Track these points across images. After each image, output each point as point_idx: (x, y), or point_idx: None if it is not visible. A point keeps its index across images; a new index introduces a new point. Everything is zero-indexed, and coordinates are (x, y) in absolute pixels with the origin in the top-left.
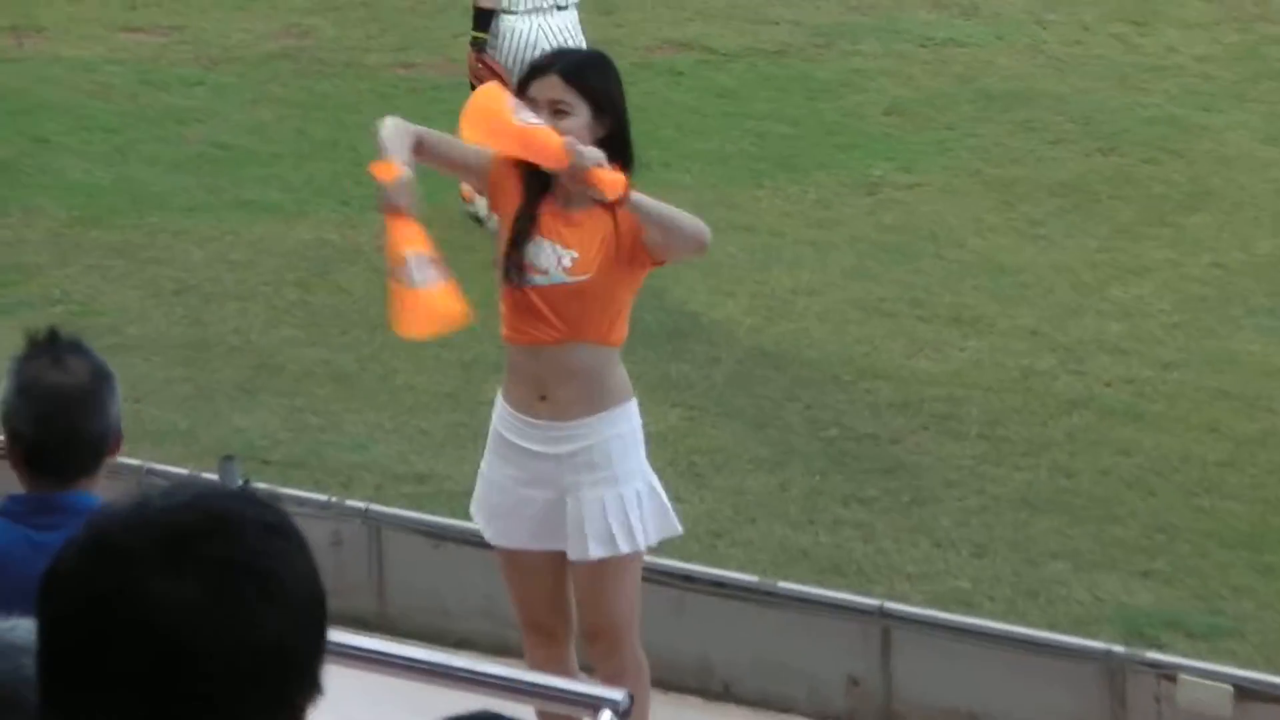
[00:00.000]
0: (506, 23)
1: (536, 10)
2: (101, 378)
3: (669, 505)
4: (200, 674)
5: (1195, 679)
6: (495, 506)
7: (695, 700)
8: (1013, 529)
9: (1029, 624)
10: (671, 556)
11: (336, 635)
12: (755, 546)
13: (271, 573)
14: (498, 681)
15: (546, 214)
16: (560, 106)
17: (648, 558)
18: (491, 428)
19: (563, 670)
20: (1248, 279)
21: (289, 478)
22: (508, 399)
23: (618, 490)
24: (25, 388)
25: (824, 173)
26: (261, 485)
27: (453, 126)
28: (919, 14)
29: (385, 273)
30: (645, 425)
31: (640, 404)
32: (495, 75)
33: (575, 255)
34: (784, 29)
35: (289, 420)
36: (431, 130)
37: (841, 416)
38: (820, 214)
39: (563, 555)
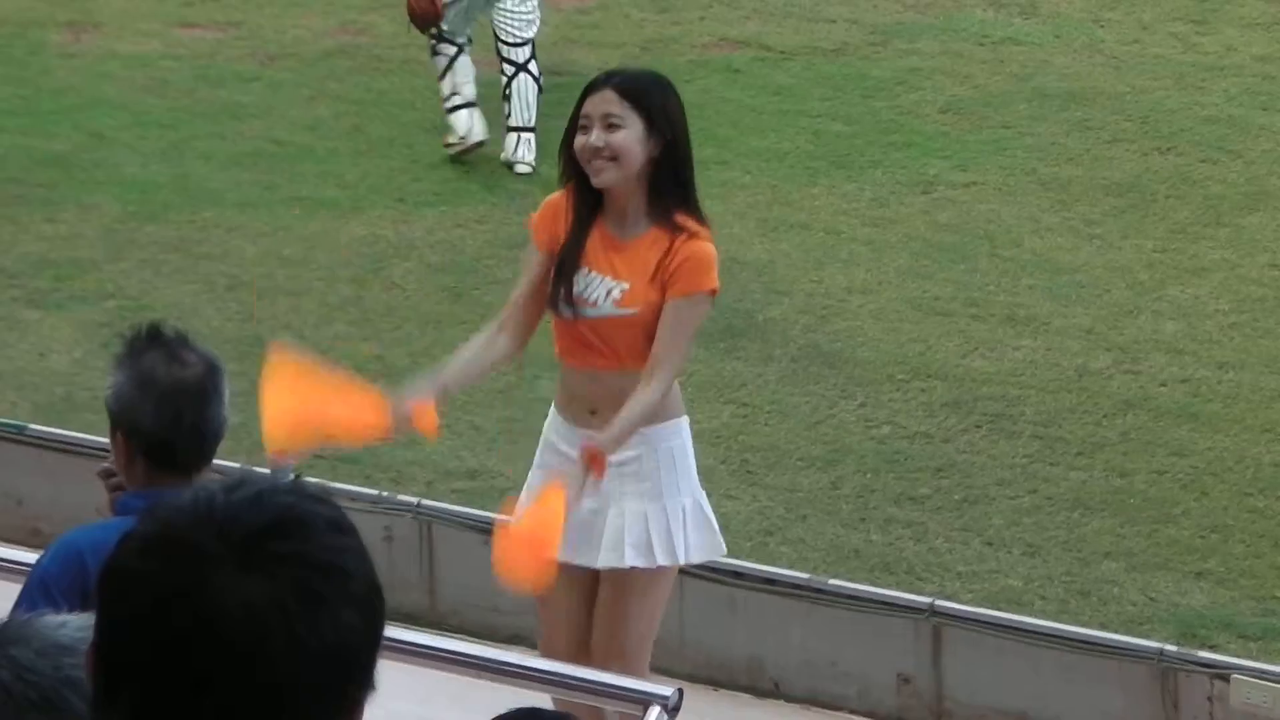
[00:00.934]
0: None
1: None
2: (216, 369)
3: (715, 525)
4: (269, 672)
5: (1248, 679)
6: None
7: (746, 697)
8: (1065, 529)
9: (1081, 623)
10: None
11: (388, 630)
12: (806, 544)
13: (339, 569)
14: (548, 676)
15: (595, 243)
16: (613, 120)
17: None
18: (542, 438)
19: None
20: None
21: (340, 473)
22: (560, 410)
23: (662, 504)
24: (145, 383)
25: (880, 171)
26: (313, 480)
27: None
28: (976, 13)
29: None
30: (699, 422)
31: (693, 401)
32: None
33: (625, 287)
34: (841, 27)
35: None
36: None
37: (895, 415)
38: (876, 212)
39: (595, 581)
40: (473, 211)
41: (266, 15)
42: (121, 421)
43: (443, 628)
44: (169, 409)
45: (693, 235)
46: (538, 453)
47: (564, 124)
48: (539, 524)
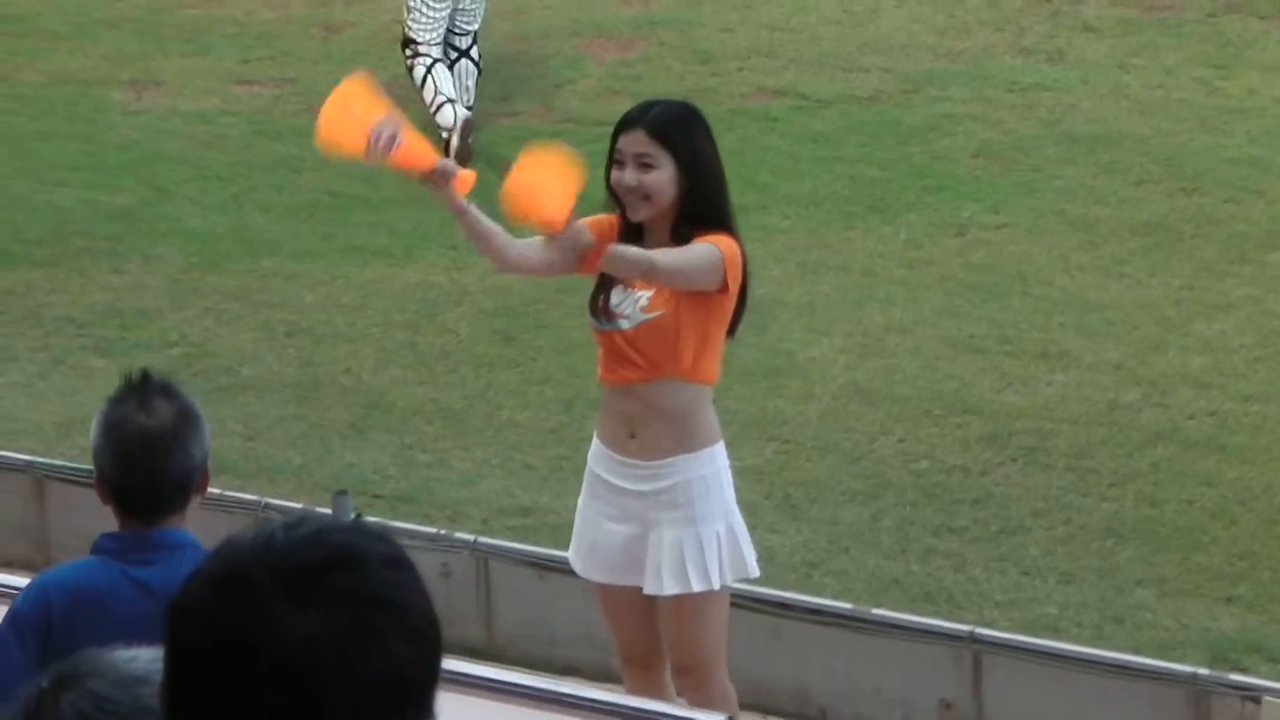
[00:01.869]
0: None
1: None
2: (186, 420)
3: (748, 548)
4: (325, 704)
5: (1278, 700)
6: (584, 542)
7: None
8: (1099, 557)
9: (1116, 648)
10: (768, 585)
11: (447, 663)
12: (849, 575)
13: (394, 603)
14: (603, 707)
15: None
16: (645, 160)
17: (746, 586)
18: (587, 469)
19: (659, 698)
20: None
21: (399, 512)
22: (601, 437)
23: (696, 530)
24: (111, 429)
25: (914, 214)
26: (373, 519)
27: None
28: (1006, 60)
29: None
30: (742, 459)
31: (737, 439)
32: None
33: (649, 294)
34: (875, 76)
35: (398, 456)
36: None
37: (933, 450)
38: (911, 254)
39: (645, 596)
40: None
41: (320, 71)
42: (95, 466)
43: (500, 660)
44: (125, 457)
45: (705, 234)
46: (584, 484)
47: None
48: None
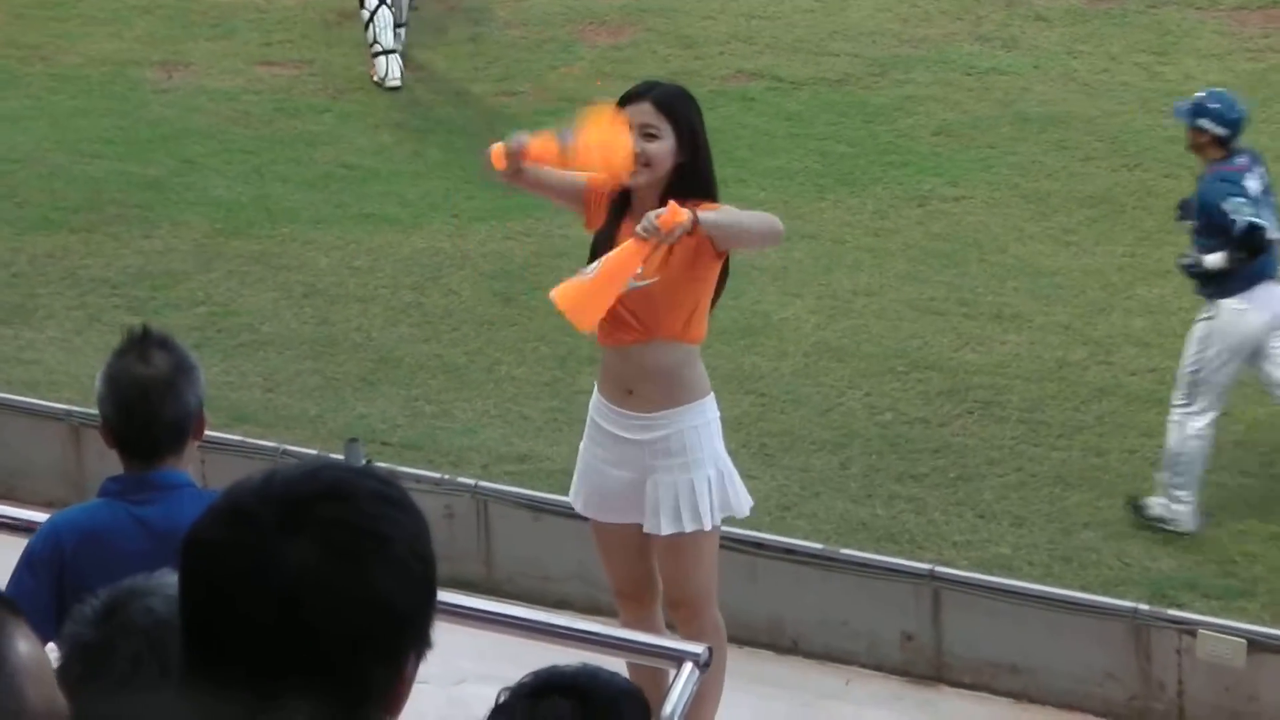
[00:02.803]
0: None
1: None
2: (182, 370)
3: (738, 489)
4: (316, 626)
5: (1212, 634)
6: (586, 483)
7: (767, 654)
8: (1049, 502)
9: (1064, 586)
10: (745, 527)
11: (448, 596)
12: (820, 518)
13: (381, 535)
14: (592, 637)
15: (625, 231)
16: (650, 130)
17: (725, 528)
18: (589, 415)
19: (651, 630)
20: None
21: (406, 458)
22: (601, 391)
23: (690, 476)
24: (112, 379)
25: (880, 187)
26: (382, 464)
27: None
28: (964, 46)
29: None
30: (722, 411)
31: (717, 392)
32: None
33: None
34: (844, 60)
35: (406, 407)
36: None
37: (896, 403)
38: (877, 224)
39: (640, 534)
40: (520, 225)
41: (336, 54)
42: (100, 412)
43: (499, 594)
44: (125, 404)
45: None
46: (586, 431)
47: None
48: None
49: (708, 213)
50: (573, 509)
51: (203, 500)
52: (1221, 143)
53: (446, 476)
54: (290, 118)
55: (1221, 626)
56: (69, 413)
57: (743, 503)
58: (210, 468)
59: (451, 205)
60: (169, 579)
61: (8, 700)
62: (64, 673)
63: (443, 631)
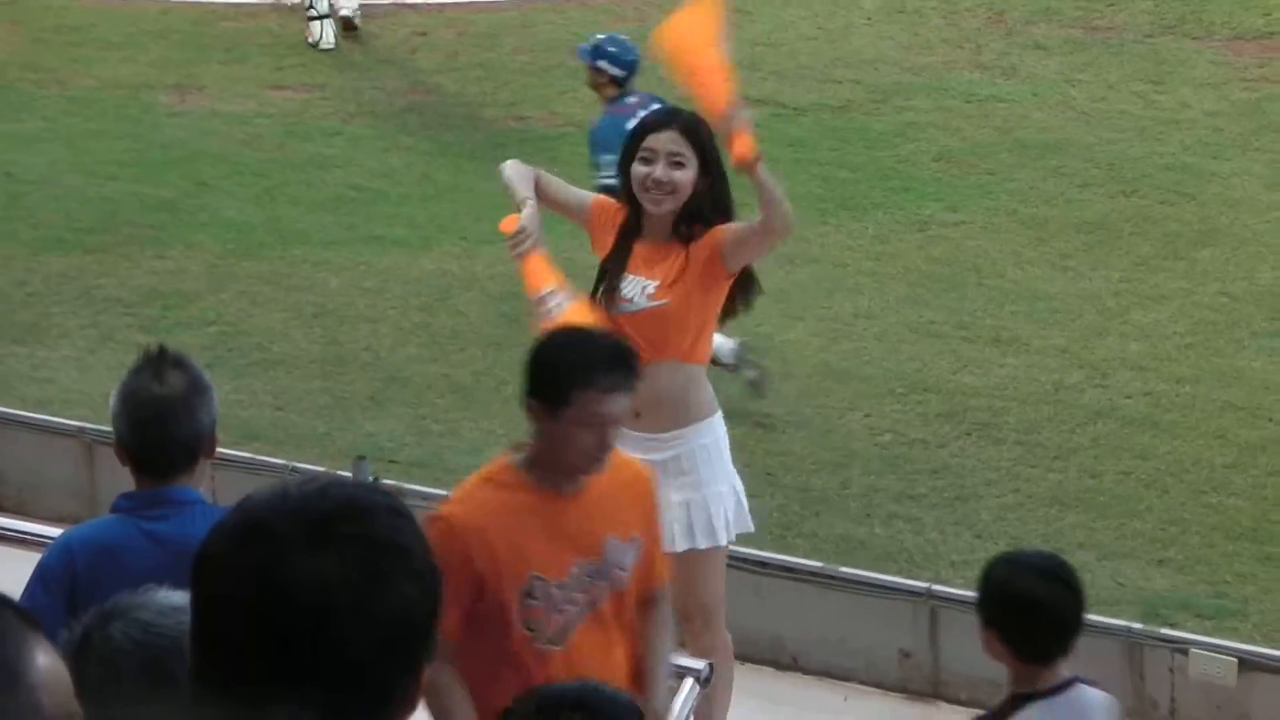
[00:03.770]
0: None
1: None
2: (197, 390)
3: (745, 506)
4: (344, 640)
5: (1204, 652)
6: None
7: (769, 670)
8: (1044, 523)
9: None
10: (748, 546)
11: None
12: (820, 537)
13: (399, 547)
14: None
15: (636, 253)
16: (677, 159)
17: (729, 548)
18: None
19: None
20: (1251, 305)
21: (413, 476)
22: None
23: (702, 493)
24: (127, 397)
25: (881, 212)
26: (389, 482)
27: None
28: (964, 74)
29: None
30: (726, 431)
31: (722, 413)
32: None
33: (656, 283)
34: (846, 87)
35: (413, 426)
36: (544, 173)
37: (896, 424)
38: (878, 248)
39: None
40: None
41: (347, 78)
42: (114, 430)
43: None
44: (139, 422)
45: (700, 235)
46: None
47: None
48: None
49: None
50: None
51: (213, 516)
52: (617, 83)
53: None
54: (301, 141)
55: (1214, 646)
56: (82, 429)
57: (747, 522)
58: (220, 484)
59: (460, 228)
60: (157, 592)
61: (27, 713)
62: None
63: None
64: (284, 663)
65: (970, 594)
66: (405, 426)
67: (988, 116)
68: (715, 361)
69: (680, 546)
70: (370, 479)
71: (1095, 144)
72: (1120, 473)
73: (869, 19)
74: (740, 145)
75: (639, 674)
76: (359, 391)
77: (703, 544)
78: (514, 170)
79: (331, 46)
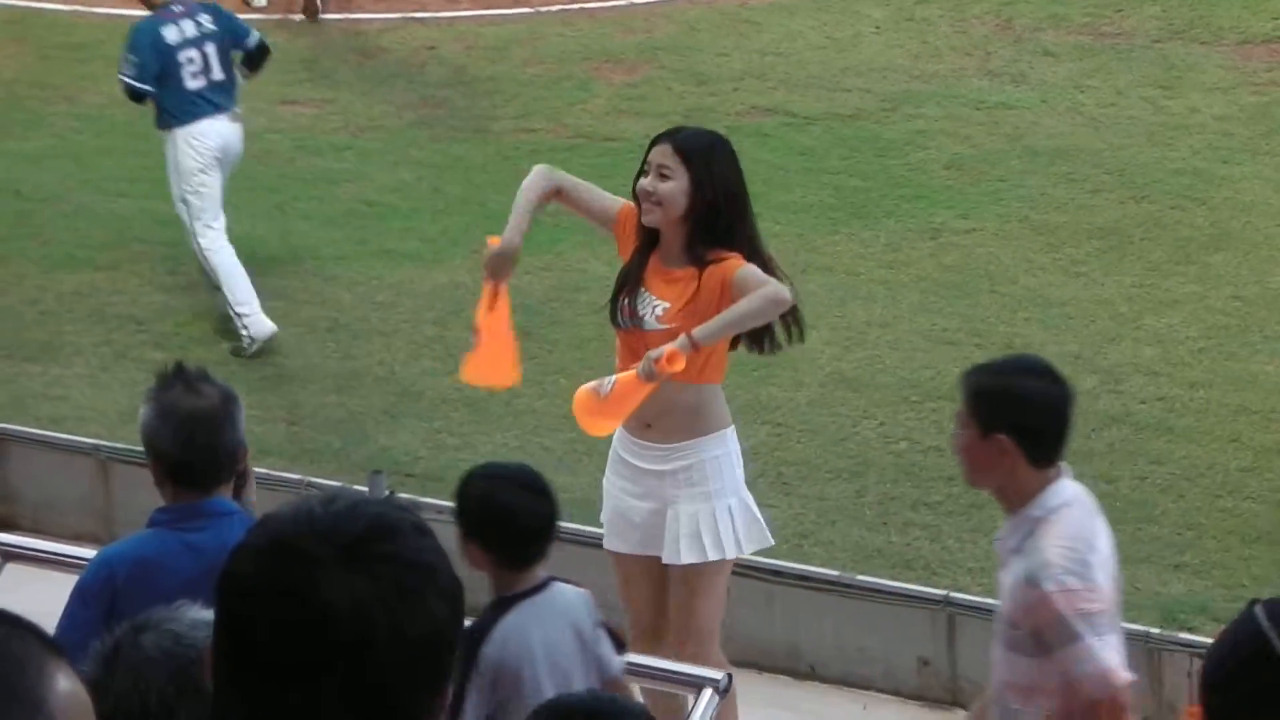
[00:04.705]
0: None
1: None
2: (230, 399)
3: (761, 519)
4: (375, 661)
5: None
6: (610, 514)
7: (785, 679)
8: None
9: None
10: (763, 555)
11: (470, 624)
12: (836, 546)
13: (428, 565)
14: None
15: (651, 268)
16: (664, 171)
17: (743, 557)
18: (611, 448)
19: None
20: (1264, 309)
21: (428, 489)
22: (623, 424)
23: (711, 505)
24: (166, 413)
25: (892, 220)
26: (404, 495)
27: None
28: (973, 81)
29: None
30: (740, 441)
31: (735, 422)
32: None
33: (666, 306)
34: (856, 95)
35: (428, 440)
36: (573, 179)
37: (910, 432)
38: (890, 256)
39: (662, 568)
40: (539, 260)
41: (356, 93)
42: (149, 447)
43: None
44: (185, 433)
45: (719, 261)
46: (609, 463)
47: (619, 180)
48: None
49: (703, 329)
50: (591, 538)
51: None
52: None
53: None
54: (311, 156)
55: None
56: (96, 447)
57: (765, 538)
58: None
59: (471, 241)
60: (186, 607)
61: None
62: None
63: None
64: (317, 683)
65: (991, 601)
66: (419, 440)
67: (998, 123)
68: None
69: (686, 559)
70: (386, 493)
71: (1105, 150)
72: (1136, 478)
73: (878, 28)
74: (667, 360)
75: None
76: (373, 406)
77: (711, 555)
78: (530, 185)
79: (264, 3)
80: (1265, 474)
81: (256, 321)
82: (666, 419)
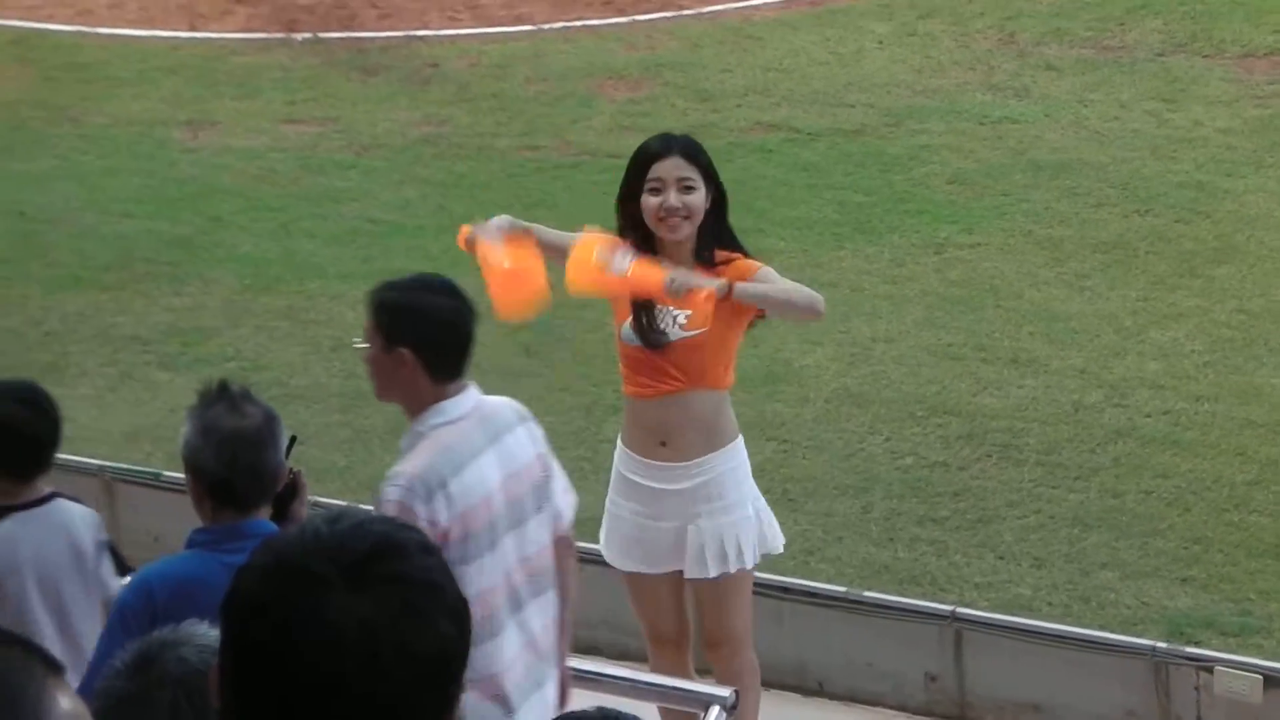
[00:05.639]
0: None
1: None
2: (272, 419)
3: (774, 525)
4: (383, 680)
5: (1229, 670)
6: (623, 538)
7: (793, 696)
8: (1067, 543)
9: (1083, 625)
10: (770, 571)
11: None
12: (843, 562)
13: (434, 585)
14: (622, 682)
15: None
16: (687, 183)
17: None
18: (614, 470)
19: (683, 675)
20: (1269, 322)
21: None
22: (628, 445)
23: (732, 517)
24: (209, 431)
25: (896, 235)
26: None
27: (573, 200)
28: (977, 96)
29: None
30: (747, 455)
31: (742, 438)
32: None
33: (688, 313)
34: (859, 111)
35: None
36: (535, 226)
37: (916, 448)
38: (894, 271)
39: (679, 574)
40: None
41: (360, 111)
42: (189, 465)
43: None
44: (227, 452)
45: (728, 261)
46: (612, 485)
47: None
48: (579, 260)
49: (744, 285)
50: (599, 556)
51: None
52: None
53: None
54: (315, 174)
55: (1238, 663)
56: (102, 468)
57: (778, 539)
58: None
59: (475, 259)
60: (198, 630)
61: None
62: None
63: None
64: (325, 704)
65: (998, 617)
66: None
67: (1001, 138)
68: None
69: (714, 573)
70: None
71: (1109, 163)
72: (1142, 492)
73: (880, 43)
74: (704, 297)
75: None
76: (378, 425)
77: (734, 568)
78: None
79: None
80: (1271, 487)
81: None
82: (685, 434)
